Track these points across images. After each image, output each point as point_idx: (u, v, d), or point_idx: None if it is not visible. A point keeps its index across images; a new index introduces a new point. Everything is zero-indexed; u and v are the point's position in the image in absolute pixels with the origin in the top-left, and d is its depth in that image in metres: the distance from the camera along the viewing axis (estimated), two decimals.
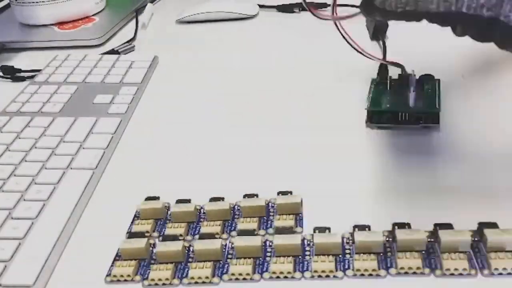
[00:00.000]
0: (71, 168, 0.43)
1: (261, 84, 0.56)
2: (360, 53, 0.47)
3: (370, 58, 0.48)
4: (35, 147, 0.46)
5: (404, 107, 0.45)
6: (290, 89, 0.54)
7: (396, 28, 0.58)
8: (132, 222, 0.38)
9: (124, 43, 0.68)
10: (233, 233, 0.36)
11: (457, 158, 0.39)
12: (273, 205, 0.38)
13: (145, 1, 0.80)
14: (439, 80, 0.49)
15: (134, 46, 0.67)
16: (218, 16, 0.73)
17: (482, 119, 0.46)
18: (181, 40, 0.69)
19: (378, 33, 0.60)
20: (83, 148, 0.46)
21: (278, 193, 0.38)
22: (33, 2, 0.71)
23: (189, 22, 0.74)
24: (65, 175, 0.42)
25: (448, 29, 0.32)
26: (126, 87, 0.56)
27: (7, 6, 0.80)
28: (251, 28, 0.71)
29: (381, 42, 0.59)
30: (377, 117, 0.46)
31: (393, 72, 0.50)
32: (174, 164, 0.44)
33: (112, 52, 0.66)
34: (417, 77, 0.48)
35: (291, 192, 0.38)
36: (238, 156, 0.44)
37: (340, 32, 0.45)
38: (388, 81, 0.48)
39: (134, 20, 0.75)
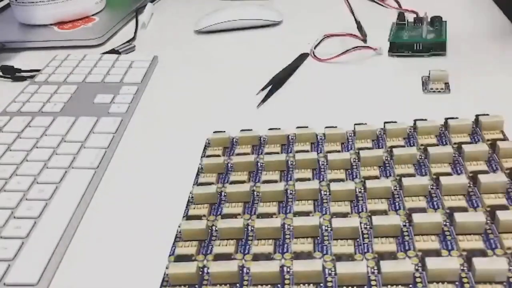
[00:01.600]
0: (73, 168, 0.43)
1: (258, 81, 0.56)
2: (381, 5, 0.72)
3: (387, 7, 0.70)
4: (36, 147, 0.46)
5: (418, 39, 0.58)
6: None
7: None
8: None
9: (124, 43, 0.68)
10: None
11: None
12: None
13: (145, 1, 0.80)
14: (446, 21, 0.61)
15: (134, 46, 0.67)
16: (241, 24, 0.70)
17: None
18: (181, 39, 0.69)
19: None
20: (84, 148, 0.46)
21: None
22: (33, 2, 0.71)
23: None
24: (67, 175, 0.43)
25: None
26: (126, 86, 0.56)
27: (7, 6, 0.80)
28: (251, 27, 0.71)
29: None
30: (396, 47, 0.58)
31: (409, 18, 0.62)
32: (174, 164, 0.44)
33: (112, 52, 0.66)
34: (428, 19, 0.60)
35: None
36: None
37: None
38: (406, 22, 0.61)
39: (134, 20, 0.75)
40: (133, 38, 0.70)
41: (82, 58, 0.63)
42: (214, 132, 0.45)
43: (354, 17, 0.62)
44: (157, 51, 0.65)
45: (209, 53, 0.65)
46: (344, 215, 0.36)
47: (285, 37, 0.67)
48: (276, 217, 0.36)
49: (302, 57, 0.60)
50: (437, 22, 0.60)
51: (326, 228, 0.35)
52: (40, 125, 0.49)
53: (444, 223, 0.34)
